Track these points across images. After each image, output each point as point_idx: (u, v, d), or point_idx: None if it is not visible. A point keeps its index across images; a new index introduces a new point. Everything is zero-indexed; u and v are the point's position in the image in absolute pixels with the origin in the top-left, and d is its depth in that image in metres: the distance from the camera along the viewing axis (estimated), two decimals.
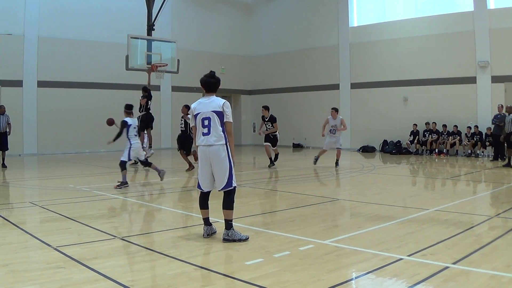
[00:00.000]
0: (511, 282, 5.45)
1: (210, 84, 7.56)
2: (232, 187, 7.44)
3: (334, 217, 9.96)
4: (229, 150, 7.38)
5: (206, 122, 7.37)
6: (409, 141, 26.82)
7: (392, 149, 27.23)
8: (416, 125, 26.52)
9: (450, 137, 25.29)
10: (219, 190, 7.45)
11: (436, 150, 25.70)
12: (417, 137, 26.58)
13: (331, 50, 30.75)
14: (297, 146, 31.98)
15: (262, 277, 5.61)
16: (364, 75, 29.03)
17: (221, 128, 7.34)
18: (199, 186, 7.59)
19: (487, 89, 24.61)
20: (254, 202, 11.84)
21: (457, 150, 25.23)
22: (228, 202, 7.42)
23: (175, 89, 30.66)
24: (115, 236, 7.57)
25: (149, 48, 21.08)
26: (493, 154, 22.83)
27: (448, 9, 26.25)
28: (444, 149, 25.39)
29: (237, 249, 6.86)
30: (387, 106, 28.01)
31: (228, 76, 33.34)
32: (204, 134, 7.38)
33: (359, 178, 16.72)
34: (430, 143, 25.90)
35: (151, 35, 21.77)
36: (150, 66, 20.86)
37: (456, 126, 25.13)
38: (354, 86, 29.46)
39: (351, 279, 5.75)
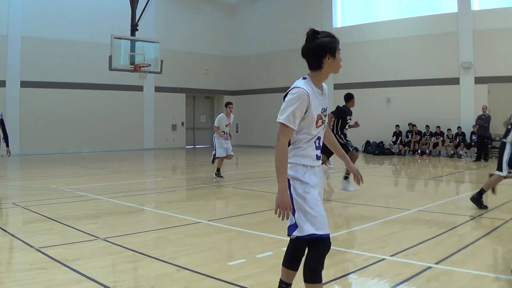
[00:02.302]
0: (494, 282, 5.50)
1: (303, 54, 4.70)
2: (296, 236, 4.15)
3: None
4: (291, 178, 4.09)
5: None
6: (392, 141, 26.96)
7: (375, 149, 27.36)
8: (399, 125, 26.68)
9: (433, 137, 25.45)
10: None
11: (419, 151, 25.84)
12: (400, 137, 26.73)
13: None
14: None
15: (245, 278, 5.65)
16: (347, 75, 29.06)
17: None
18: None
19: (470, 90, 24.80)
20: (236, 202, 11.86)
21: (439, 151, 25.42)
22: (307, 269, 4.19)
23: (158, 89, 30.55)
24: (98, 237, 7.55)
25: (132, 48, 20.99)
26: (476, 154, 23.02)
27: (432, 10, 26.42)
28: (427, 150, 25.55)
29: (220, 250, 6.88)
30: (370, 107, 28.08)
31: (212, 76, 33.45)
32: None
33: (340, 179, 16.76)
34: (413, 144, 26.06)
35: (135, 35, 21.69)
36: (133, 66, 20.81)
37: (438, 127, 25.32)
38: (337, 86, 29.45)
39: (334, 279, 5.75)
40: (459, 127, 24.74)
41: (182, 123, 32.40)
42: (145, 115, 30.12)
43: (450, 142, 24.95)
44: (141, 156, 26.11)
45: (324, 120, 4.32)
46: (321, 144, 4.34)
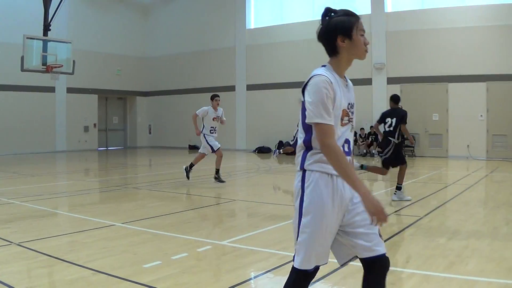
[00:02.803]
0: (410, 278, 5.76)
1: (318, 37, 4.00)
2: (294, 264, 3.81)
3: (231, 218, 10.16)
4: (305, 188, 3.56)
5: None
6: None
7: None
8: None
9: None
10: None
11: None
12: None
13: (227, 52, 31.05)
14: (193, 148, 31.90)
15: (161, 280, 5.70)
16: (260, 76, 29.42)
17: (303, 136, 3.60)
18: None
19: (383, 90, 25.55)
20: (151, 204, 11.88)
21: (352, 150, 26.01)
22: None
23: (70, 90, 29.90)
24: (12, 242, 7.45)
25: (44, 48, 20.66)
26: None
27: None
28: None
29: (135, 252, 6.92)
30: (283, 107, 28.41)
31: (124, 77, 33.11)
32: None
33: (255, 179, 17.02)
34: None
35: (47, 36, 21.30)
36: (45, 67, 20.47)
37: None
38: (250, 87, 29.85)
39: (250, 279, 5.91)
40: (371, 127, 25.38)
41: (95, 125, 31.91)
42: (57, 116, 29.48)
43: (362, 141, 25.62)
44: (53, 159, 25.59)
45: (352, 118, 3.64)
46: (351, 150, 3.78)
